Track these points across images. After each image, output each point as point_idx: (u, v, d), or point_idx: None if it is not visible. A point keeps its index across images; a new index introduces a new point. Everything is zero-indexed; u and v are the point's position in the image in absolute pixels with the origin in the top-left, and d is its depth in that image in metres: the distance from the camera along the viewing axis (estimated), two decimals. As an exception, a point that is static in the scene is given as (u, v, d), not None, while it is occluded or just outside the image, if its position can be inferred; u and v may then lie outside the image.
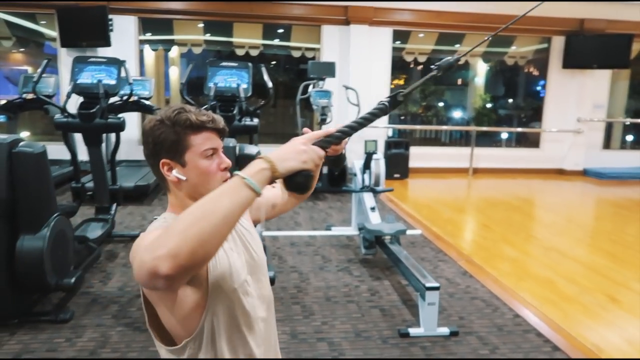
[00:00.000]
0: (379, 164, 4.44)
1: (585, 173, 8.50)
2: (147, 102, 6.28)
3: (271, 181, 0.90)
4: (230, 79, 4.39)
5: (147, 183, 5.65)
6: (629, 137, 9.84)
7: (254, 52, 8.33)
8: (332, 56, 7.80)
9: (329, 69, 6.95)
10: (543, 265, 3.96)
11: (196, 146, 1.11)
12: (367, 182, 4.38)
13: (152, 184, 5.78)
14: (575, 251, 4.37)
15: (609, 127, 9.09)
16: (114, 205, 4.10)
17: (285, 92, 10.08)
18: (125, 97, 4.80)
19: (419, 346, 2.64)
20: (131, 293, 3.15)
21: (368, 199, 4.25)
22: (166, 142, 1.11)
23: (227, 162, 1.17)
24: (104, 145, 4.09)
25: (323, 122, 6.77)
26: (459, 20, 7.96)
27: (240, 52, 8.32)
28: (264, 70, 4.76)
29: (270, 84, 4.68)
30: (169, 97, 10.68)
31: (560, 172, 8.57)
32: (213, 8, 7.56)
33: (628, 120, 9.45)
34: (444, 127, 10.26)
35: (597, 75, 8.43)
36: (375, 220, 3.97)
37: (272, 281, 2.85)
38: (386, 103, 1.03)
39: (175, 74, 10.33)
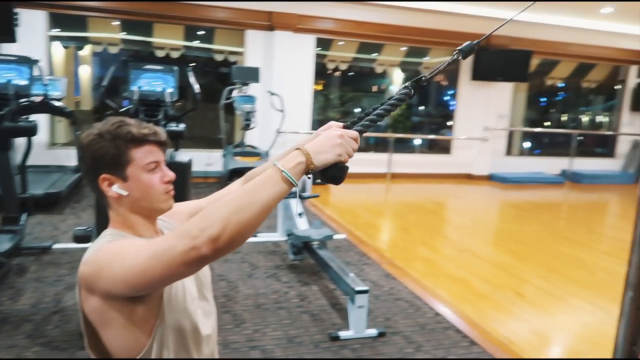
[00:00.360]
0: (305, 171, 4.51)
1: (490, 178, 9.19)
2: (58, 104, 5.88)
3: (305, 173, 0.91)
4: (154, 82, 4.25)
5: (58, 190, 5.30)
6: (527, 144, 10.78)
7: (175, 54, 8.10)
8: (256, 61, 7.78)
9: (253, 74, 6.94)
10: (457, 265, 4.25)
11: (138, 160, 1.09)
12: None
13: (65, 191, 5.43)
14: (485, 251, 4.73)
15: (510, 135, 9.89)
16: (24, 215, 3.81)
17: (206, 95, 9.87)
18: (38, 99, 4.49)
19: (349, 348, 2.73)
20: (46, 310, 2.96)
21: (295, 205, 4.31)
22: (106, 157, 1.09)
23: (170, 175, 1.16)
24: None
25: (247, 127, 6.75)
26: (379, 30, 8.29)
27: (160, 53, 8.04)
28: (190, 74, 4.66)
29: (197, 89, 4.59)
30: (78, 97, 10.05)
31: (469, 177, 9.20)
32: (132, 7, 7.25)
33: (527, 129, 10.37)
34: (365, 134, 10.55)
35: (501, 87, 9.16)
36: (302, 226, 4.03)
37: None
38: (410, 87, 1.05)
39: (86, 73, 9.75)
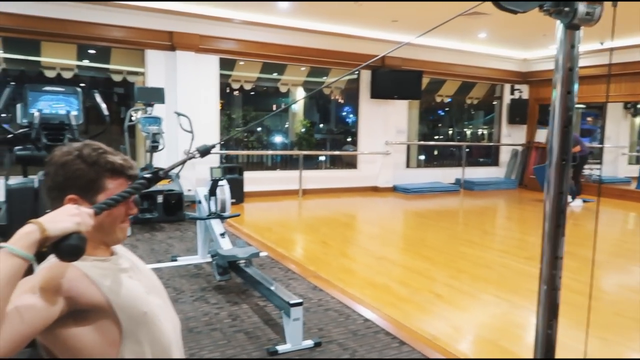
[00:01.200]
0: (224, 190, 4.49)
1: (394, 189, 9.76)
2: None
3: (41, 244, 0.87)
4: (56, 105, 4.01)
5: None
6: (422, 157, 11.62)
7: (68, 74, 7.60)
8: (158, 81, 7.57)
9: (157, 95, 6.75)
10: (377, 272, 4.48)
11: (111, 190, 1.12)
12: (213, 209, 4.39)
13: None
14: (399, 257, 5.03)
15: (408, 149, 10.59)
16: None
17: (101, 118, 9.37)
18: None
19: (289, 361, 2.78)
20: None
21: (216, 225, 4.26)
22: (81, 180, 1.10)
23: (135, 209, 1.20)
24: None
25: (154, 149, 6.52)
26: (281, 51, 8.50)
27: (50, 73, 7.50)
28: (97, 95, 4.45)
29: (106, 111, 4.40)
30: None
31: (375, 189, 9.68)
32: (15, 23, 6.71)
33: (423, 143, 11.18)
34: (278, 152, 10.62)
35: (397, 104, 9.81)
36: (226, 245, 4.00)
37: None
38: (147, 178, 1.13)
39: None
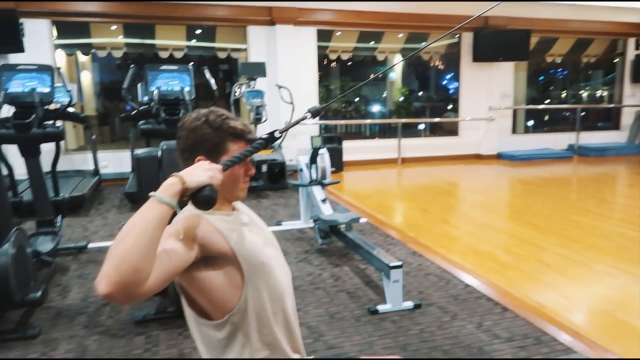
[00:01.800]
0: (324, 158, 4.63)
1: (499, 156, 9.31)
2: (72, 110, 5.98)
3: (182, 194, 1.00)
4: (172, 82, 4.36)
5: (81, 193, 5.42)
6: (530, 122, 10.89)
7: (179, 54, 8.19)
8: (259, 56, 7.88)
9: (260, 69, 7.04)
10: (480, 239, 4.37)
11: (233, 152, 1.24)
12: (314, 176, 4.55)
13: (87, 194, 5.55)
14: (504, 225, 4.85)
15: (515, 114, 9.99)
16: (59, 217, 3.93)
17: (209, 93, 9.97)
18: (53, 106, 4.59)
19: (389, 320, 2.86)
20: (96, 303, 3.08)
21: (317, 192, 4.42)
22: (207, 143, 1.24)
23: (253, 170, 1.33)
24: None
25: (258, 121, 6.85)
26: (378, 19, 8.37)
27: (164, 54, 8.13)
28: (206, 71, 4.77)
29: (215, 86, 4.71)
30: (82, 103, 10.15)
31: (477, 157, 9.31)
32: (133, 10, 7.34)
33: (531, 107, 10.46)
34: (376, 121, 10.61)
35: (502, 67, 9.25)
36: (327, 211, 4.15)
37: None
38: (265, 139, 1.22)
39: (87, 79, 9.84)
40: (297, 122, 1.29)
